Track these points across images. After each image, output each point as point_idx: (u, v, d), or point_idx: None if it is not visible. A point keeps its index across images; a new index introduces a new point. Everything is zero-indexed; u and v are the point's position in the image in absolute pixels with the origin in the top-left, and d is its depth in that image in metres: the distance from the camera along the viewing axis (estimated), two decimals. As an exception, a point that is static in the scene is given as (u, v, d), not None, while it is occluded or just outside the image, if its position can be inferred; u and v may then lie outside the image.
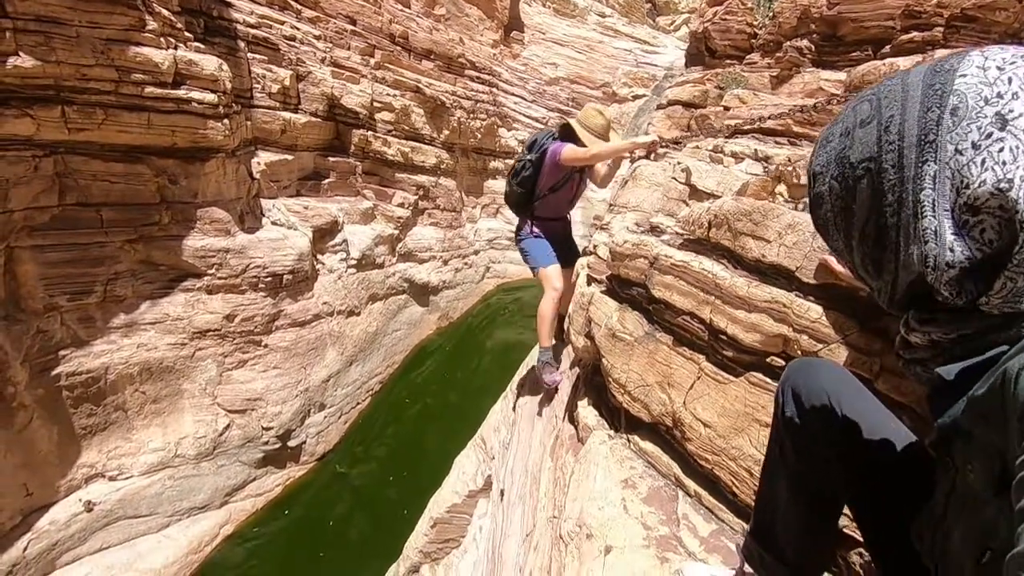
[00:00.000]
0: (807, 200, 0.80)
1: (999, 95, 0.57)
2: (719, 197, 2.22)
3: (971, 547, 0.62)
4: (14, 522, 6.07)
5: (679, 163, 2.99)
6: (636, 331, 2.35)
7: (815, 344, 1.71)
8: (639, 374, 2.31)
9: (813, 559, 1.25)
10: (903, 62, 2.59)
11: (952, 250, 0.60)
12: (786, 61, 3.25)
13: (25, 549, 6.06)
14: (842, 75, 2.97)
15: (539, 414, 3.82)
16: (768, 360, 1.85)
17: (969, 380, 0.62)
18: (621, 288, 2.50)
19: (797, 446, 1.10)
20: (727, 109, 3.18)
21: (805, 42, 3.20)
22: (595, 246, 2.92)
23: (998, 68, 0.59)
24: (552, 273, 3.59)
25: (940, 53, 2.75)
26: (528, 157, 3.61)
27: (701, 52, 4.36)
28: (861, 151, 0.68)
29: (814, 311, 1.71)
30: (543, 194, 3.64)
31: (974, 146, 0.58)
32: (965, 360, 0.64)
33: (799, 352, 1.76)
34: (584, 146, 3.31)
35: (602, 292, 2.65)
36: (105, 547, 6.63)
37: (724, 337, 1.96)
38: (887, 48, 2.95)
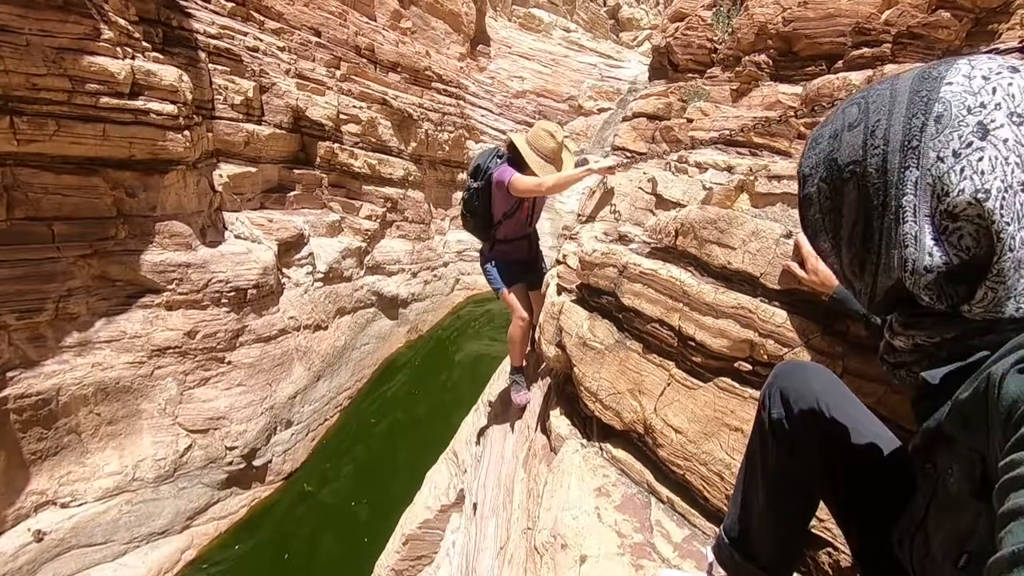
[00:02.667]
0: (798, 200, 0.80)
1: (982, 105, 0.58)
2: (685, 206, 2.26)
3: (950, 551, 0.63)
4: (-44, 555, 5.71)
5: (645, 173, 3.03)
6: (607, 339, 2.37)
7: (780, 348, 1.75)
8: (610, 382, 2.32)
9: (785, 559, 1.27)
10: (855, 76, 2.71)
11: (931, 255, 0.61)
12: (745, 75, 3.35)
13: (-32, 584, 5.71)
14: (798, 88, 3.09)
15: (511, 426, 3.80)
16: (736, 365, 1.88)
17: (953, 385, 0.62)
18: (591, 297, 2.52)
19: (782, 448, 1.10)
20: (690, 121, 3.26)
21: (763, 57, 3.31)
22: (564, 255, 2.94)
23: (984, 78, 0.59)
24: (512, 298, 3.58)
25: (889, 68, 2.88)
26: (473, 185, 3.52)
27: (664, 66, 4.46)
28: (848, 154, 0.68)
29: (779, 316, 1.75)
30: (499, 220, 3.55)
31: (955, 154, 0.58)
32: (949, 364, 0.65)
33: (765, 356, 1.80)
34: (532, 174, 3.19)
35: (572, 301, 2.66)
36: (57, 579, 6.28)
37: (693, 343, 2.00)
38: (840, 63, 3.07)
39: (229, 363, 7.93)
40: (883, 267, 0.68)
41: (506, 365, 4.45)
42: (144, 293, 7.16)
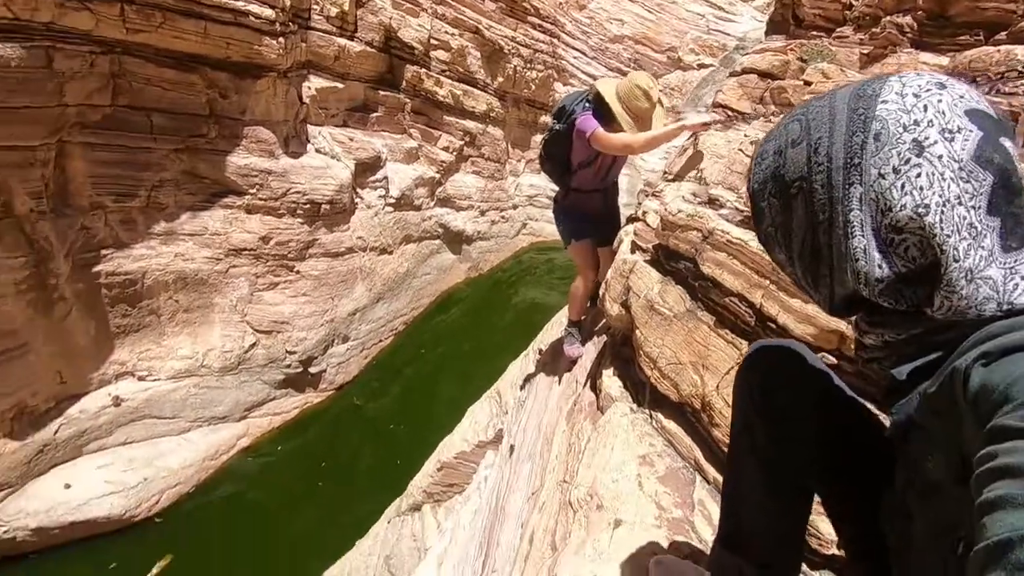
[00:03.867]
0: (752, 214, 0.82)
1: (916, 122, 0.61)
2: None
3: (938, 537, 0.64)
4: (48, 406, 6.39)
5: (747, 135, 2.78)
6: (677, 307, 2.23)
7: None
8: (673, 351, 2.21)
9: (787, 557, 1.18)
10: (1020, 51, 2.32)
11: (880, 267, 0.64)
12: (882, 38, 2.96)
13: (56, 432, 6.40)
14: (944, 59, 2.69)
15: (558, 377, 3.77)
16: (817, 355, 1.73)
17: (920, 379, 0.65)
18: (667, 260, 2.38)
19: (769, 432, 1.07)
20: (808, 84, 2.94)
21: (907, 19, 2.91)
22: (644, 213, 2.78)
23: (914, 95, 0.63)
24: (581, 252, 3.41)
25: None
26: (555, 127, 3.28)
27: (786, 20, 4.04)
28: (793, 170, 0.71)
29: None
30: (575, 168, 3.34)
31: (895, 171, 0.61)
32: (917, 359, 0.67)
33: (853, 350, 1.64)
34: (617, 130, 2.95)
35: (646, 262, 2.53)
36: (129, 441, 6.97)
37: (773, 325, 1.84)
38: (1003, 34, 2.64)
39: (297, 272, 8.27)
40: (837, 279, 0.71)
41: (561, 316, 4.39)
42: (227, 193, 7.48)
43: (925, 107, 0.62)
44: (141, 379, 7.12)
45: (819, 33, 3.56)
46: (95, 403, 6.73)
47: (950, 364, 0.58)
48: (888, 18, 3.03)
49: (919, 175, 0.60)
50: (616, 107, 2.96)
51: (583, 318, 3.68)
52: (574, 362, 3.52)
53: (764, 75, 3.36)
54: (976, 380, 0.53)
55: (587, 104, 3.17)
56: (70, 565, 6.15)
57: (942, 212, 0.59)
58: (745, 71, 3.55)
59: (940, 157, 0.60)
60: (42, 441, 6.28)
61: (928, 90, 0.63)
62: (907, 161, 0.61)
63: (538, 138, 14.58)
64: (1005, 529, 0.43)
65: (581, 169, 3.31)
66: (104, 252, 6.64)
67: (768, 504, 1.12)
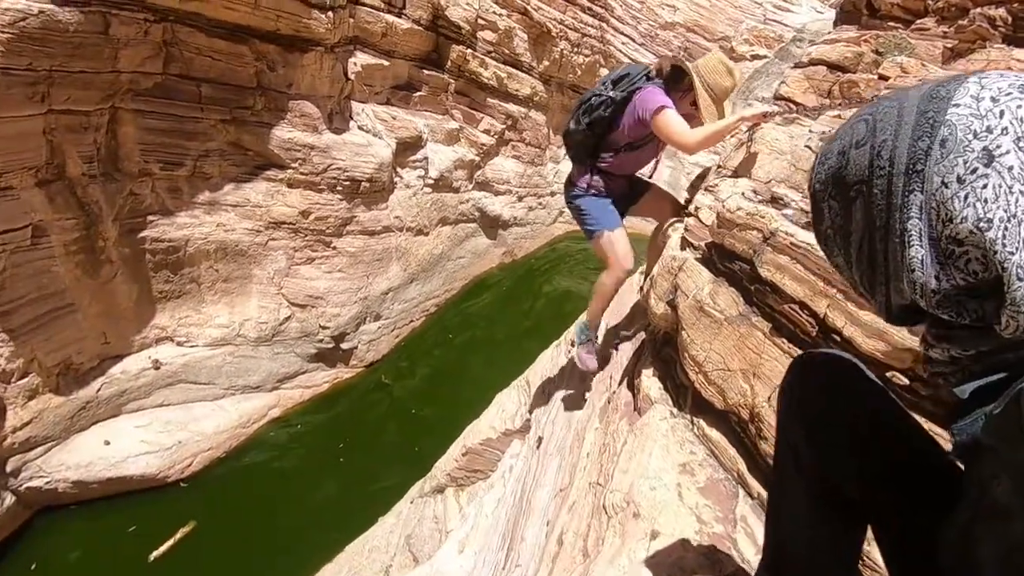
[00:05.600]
0: (811, 215, 0.80)
1: (988, 129, 0.57)
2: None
3: (1007, 564, 0.62)
4: (92, 364, 6.62)
5: (812, 131, 2.61)
6: (728, 310, 2.11)
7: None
8: (721, 356, 2.09)
9: None
10: None
11: (937, 279, 0.62)
12: (970, 31, 2.73)
13: (98, 391, 6.63)
14: (1040, 58, 2.47)
15: (591, 373, 3.67)
16: (887, 375, 1.60)
17: (985, 397, 0.62)
18: (720, 260, 2.25)
19: (814, 449, 1.01)
20: (883, 79, 2.73)
21: (1001, 11, 2.67)
22: (697, 208, 2.64)
23: (992, 99, 0.58)
24: (617, 239, 2.96)
25: None
26: (610, 93, 2.83)
27: (858, 9, 3.79)
28: (855, 173, 0.68)
29: (966, 331, 1.43)
30: (619, 147, 2.94)
31: (959, 180, 0.58)
32: (982, 377, 0.64)
33: (927, 372, 1.50)
34: (688, 112, 2.68)
35: (696, 260, 2.40)
36: (166, 404, 7.18)
37: (838, 338, 1.71)
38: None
39: (334, 248, 8.34)
40: (894, 288, 0.68)
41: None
42: (270, 167, 7.55)
43: (1002, 113, 0.57)
44: (180, 344, 7.31)
45: (896, 24, 3.32)
46: (136, 365, 6.94)
47: (1017, 386, 0.56)
48: (978, 10, 2.79)
49: (985, 186, 0.57)
50: (699, 86, 2.70)
51: (602, 323, 3.32)
52: (586, 373, 3.25)
53: (834, 67, 3.15)
54: None
55: (648, 78, 2.83)
56: (103, 518, 6.39)
57: (1006, 228, 0.56)
58: (812, 62, 3.34)
59: (1011, 169, 0.56)
60: (85, 398, 6.51)
61: (1009, 94, 0.58)
62: (974, 171, 0.57)
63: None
64: None
65: (625, 151, 2.95)
66: (150, 218, 6.80)
67: (814, 529, 1.05)
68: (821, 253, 1.96)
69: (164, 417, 7.04)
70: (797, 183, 2.24)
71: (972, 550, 0.68)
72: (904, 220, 0.63)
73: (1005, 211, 0.56)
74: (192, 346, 7.34)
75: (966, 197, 0.58)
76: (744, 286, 2.10)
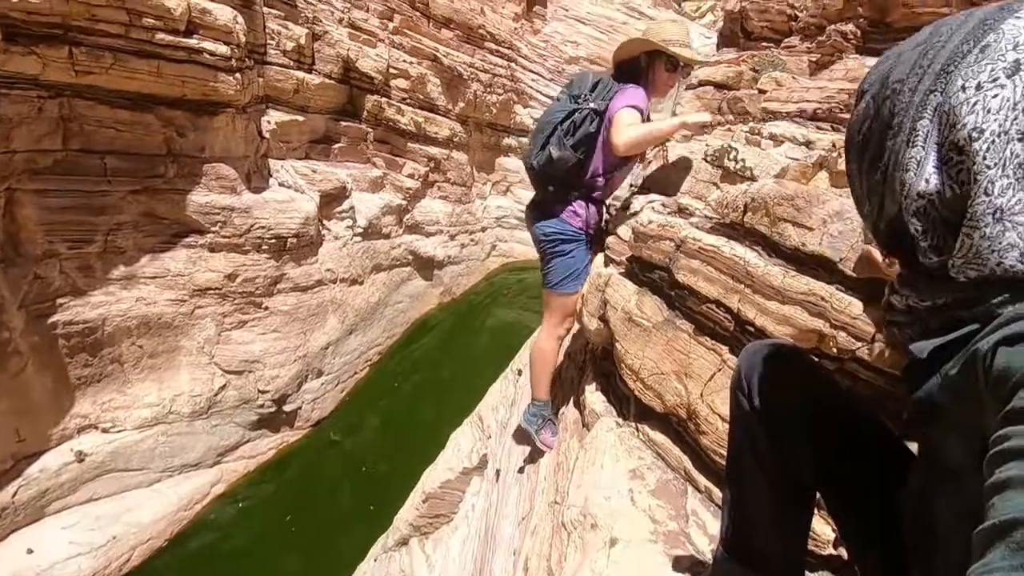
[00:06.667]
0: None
1: None
2: (754, 180, 2.09)
3: (963, 524, 0.61)
4: (5, 467, 6.04)
5: (708, 144, 2.83)
6: (655, 317, 2.23)
7: (853, 342, 1.59)
8: (654, 362, 2.20)
9: (795, 561, 1.16)
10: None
11: (927, 180, 0.61)
12: (828, 46, 3.08)
13: (15, 495, 6.04)
14: (888, 63, 2.81)
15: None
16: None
17: (943, 357, 0.62)
18: (642, 271, 2.39)
19: (772, 437, 1.05)
20: (762, 92, 3.02)
21: (850, 27, 3.03)
22: (615, 226, 2.79)
23: None
24: (575, 300, 2.71)
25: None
26: (591, 105, 2.49)
27: (735, 33, 4.18)
28: (899, 71, 0.66)
29: (855, 306, 1.60)
30: (615, 168, 2.61)
31: (978, 87, 0.56)
32: (938, 336, 0.65)
33: (834, 350, 1.65)
34: (662, 89, 2.51)
35: (621, 274, 2.53)
36: (95, 498, 6.62)
37: (752, 328, 1.85)
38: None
39: (266, 309, 8.08)
40: (888, 190, 0.67)
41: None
42: (189, 233, 7.29)
43: None
44: (105, 431, 6.79)
45: (768, 44, 3.69)
46: (56, 460, 6.38)
47: (972, 345, 0.56)
48: (832, 27, 3.16)
49: (996, 96, 0.55)
50: (655, 40, 2.50)
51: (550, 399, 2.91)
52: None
53: (720, 86, 3.45)
54: (998, 362, 0.52)
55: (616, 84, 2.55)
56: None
57: (993, 141, 0.55)
58: (701, 83, 3.65)
59: None
60: (0, 505, 5.92)
61: None
62: (995, 80, 0.55)
63: (503, 160, 14.72)
64: (1012, 509, 0.43)
65: (621, 169, 2.65)
66: (60, 301, 6.37)
67: (777, 513, 1.09)
68: (728, 253, 2.11)
69: (94, 513, 6.47)
70: (700, 193, 2.43)
71: (930, 515, 0.70)
72: (916, 119, 0.62)
73: (1000, 125, 0.55)
74: (120, 431, 6.84)
75: (974, 104, 0.56)
76: (665, 293, 2.23)
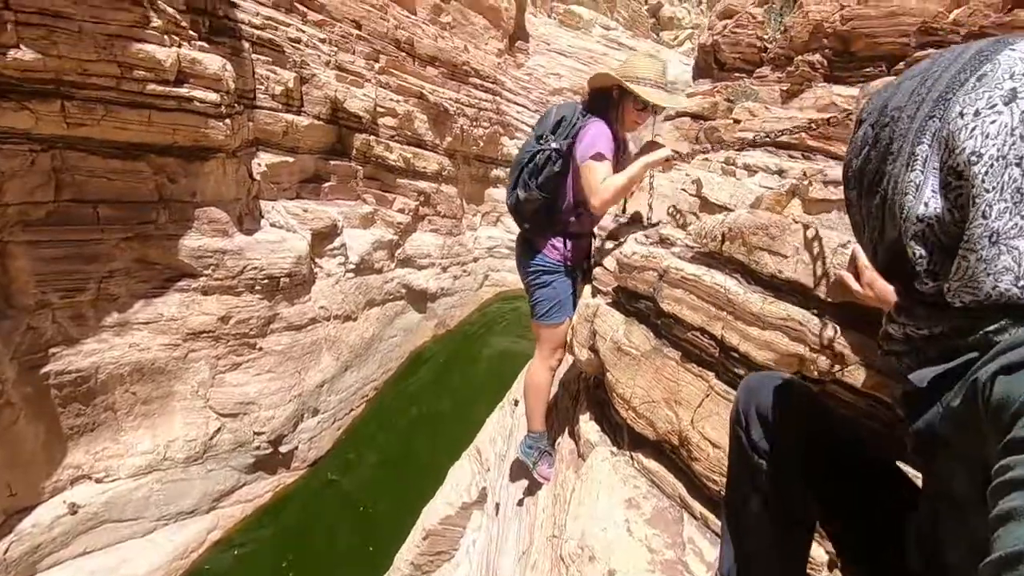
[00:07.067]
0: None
1: None
2: (731, 210, 2.16)
3: (975, 556, 0.60)
4: (-4, 523, 5.93)
5: (688, 174, 2.92)
6: (643, 345, 2.28)
7: (833, 365, 1.64)
8: (645, 390, 2.24)
9: None
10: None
11: (927, 204, 0.61)
12: (797, 75, 3.21)
13: (6, 551, 5.92)
14: (854, 90, 2.94)
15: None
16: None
17: (943, 387, 0.62)
18: (628, 301, 2.44)
19: (773, 470, 1.04)
20: (737, 122, 3.13)
21: (817, 57, 3.17)
22: (601, 257, 2.85)
23: None
24: (565, 329, 2.71)
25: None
26: (552, 145, 2.52)
27: (710, 65, 4.33)
28: (898, 99, 0.67)
29: (832, 330, 1.65)
30: (582, 205, 2.56)
31: (976, 113, 0.58)
32: (936, 365, 0.65)
33: (815, 372, 1.70)
34: (632, 125, 2.47)
35: (608, 304, 2.58)
36: (89, 551, 6.48)
37: (736, 354, 1.90)
38: (901, 64, 2.91)
39: (260, 349, 8.06)
40: (888, 214, 0.67)
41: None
42: (181, 277, 7.31)
43: None
44: (99, 481, 6.69)
45: (740, 74, 3.83)
46: (49, 513, 6.27)
47: (972, 375, 0.56)
48: (800, 57, 3.29)
49: (994, 122, 0.56)
50: (625, 82, 2.40)
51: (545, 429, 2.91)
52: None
53: (696, 117, 3.57)
54: (997, 391, 0.52)
55: (582, 115, 2.53)
56: None
57: (992, 166, 0.56)
58: (679, 114, 3.77)
59: None
60: (-9, 563, 5.79)
61: None
62: (992, 106, 0.57)
63: (491, 191, 14.91)
64: (1017, 541, 0.42)
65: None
66: (53, 351, 6.35)
67: (778, 546, 1.09)
68: (709, 282, 2.18)
69: (88, 567, 6.33)
70: (681, 223, 2.50)
71: (937, 546, 0.70)
72: (915, 144, 0.63)
73: (998, 150, 0.56)
74: (113, 480, 6.74)
75: (973, 130, 0.57)
76: (652, 321, 2.28)
